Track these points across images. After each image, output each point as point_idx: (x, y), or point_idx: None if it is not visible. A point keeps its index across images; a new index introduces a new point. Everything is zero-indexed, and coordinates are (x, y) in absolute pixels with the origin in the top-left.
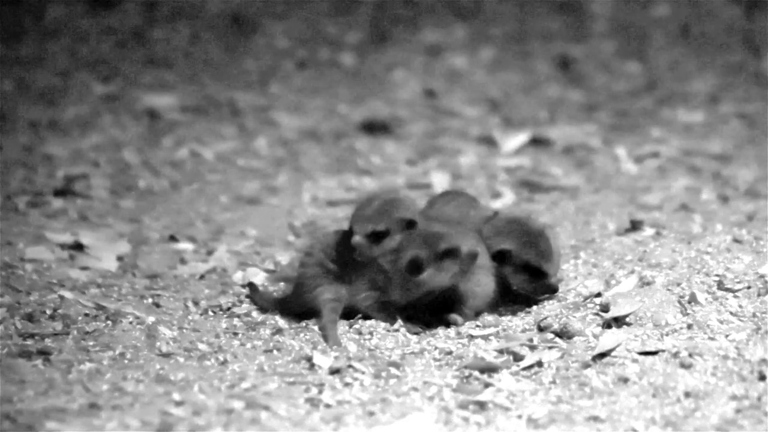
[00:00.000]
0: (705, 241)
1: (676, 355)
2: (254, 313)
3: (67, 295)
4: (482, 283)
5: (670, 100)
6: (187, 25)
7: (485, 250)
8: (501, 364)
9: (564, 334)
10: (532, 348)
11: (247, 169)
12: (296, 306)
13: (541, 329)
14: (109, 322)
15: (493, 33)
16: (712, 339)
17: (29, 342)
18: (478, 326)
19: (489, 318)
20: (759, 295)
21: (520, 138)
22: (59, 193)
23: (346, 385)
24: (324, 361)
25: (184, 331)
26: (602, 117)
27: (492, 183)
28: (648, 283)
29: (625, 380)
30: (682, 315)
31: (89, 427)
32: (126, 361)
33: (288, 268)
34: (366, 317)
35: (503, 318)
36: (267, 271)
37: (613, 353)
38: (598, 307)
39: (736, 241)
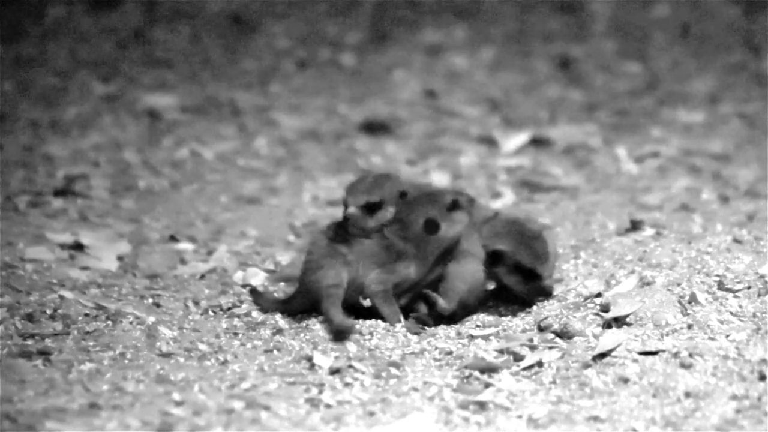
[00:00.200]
0: (705, 241)
1: (676, 355)
2: (254, 313)
3: (68, 295)
4: (470, 269)
5: (670, 100)
6: (187, 25)
7: (479, 243)
8: (501, 364)
9: (564, 334)
10: (533, 348)
11: (247, 169)
12: (302, 296)
13: (541, 329)
14: (109, 322)
15: (493, 33)
16: (712, 339)
17: (29, 342)
18: (478, 326)
19: (489, 318)
20: (759, 295)
21: (520, 138)
22: (59, 193)
23: (347, 385)
24: (324, 361)
25: (185, 331)
26: (602, 117)
27: (492, 183)
28: (648, 283)
29: (626, 380)
30: (682, 315)
31: (89, 427)
32: (126, 361)
33: (288, 268)
34: (368, 314)
35: (503, 318)
36: (267, 271)
37: (613, 353)
38: (598, 307)
39: (737, 241)
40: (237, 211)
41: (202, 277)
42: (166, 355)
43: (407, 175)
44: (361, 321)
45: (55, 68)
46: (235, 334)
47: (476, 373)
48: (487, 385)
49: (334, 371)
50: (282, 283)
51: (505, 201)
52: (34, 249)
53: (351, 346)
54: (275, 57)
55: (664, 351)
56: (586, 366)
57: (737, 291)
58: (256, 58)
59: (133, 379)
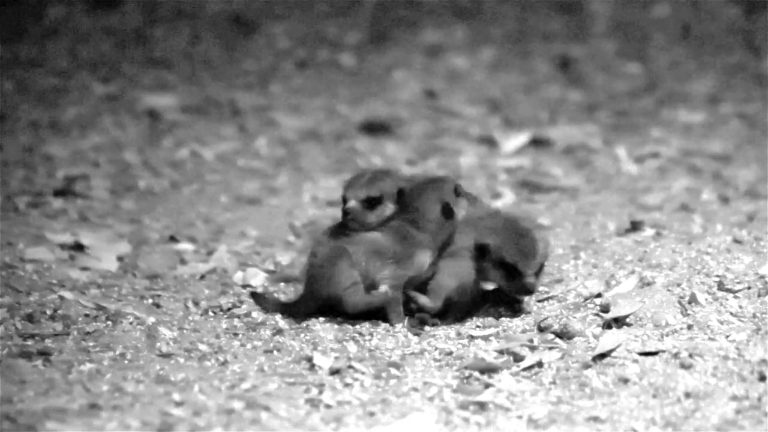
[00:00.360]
0: (705, 242)
1: (676, 355)
2: (254, 314)
3: (68, 295)
4: (461, 266)
5: (670, 101)
6: (187, 25)
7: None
8: (501, 365)
9: (564, 334)
10: (533, 348)
11: (247, 169)
12: (308, 302)
13: (541, 330)
14: (109, 322)
15: (493, 33)
16: (712, 339)
17: (29, 342)
18: (478, 327)
19: (489, 318)
20: (759, 295)
21: (520, 138)
22: (59, 193)
23: (347, 385)
24: (324, 361)
25: (185, 331)
26: (602, 117)
27: (492, 183)
28: (648, 284)
29: (626, 381)
30: (682, 315)
31: (89, 427)
32: (126, 362)
33: (288, 268)
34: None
35: (503, 318)
36: (267, 271)
37: (613, 354)
38: (598, 308)
39: (737, 241)
40: (237, 212)
41: (202, 277)
42: (166, 356)
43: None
44: (361, 322)
45: (55, 68)
46: (235, 334)
47: (476, 374)
48: (487, 386)
49: (334, 372)
50: (282, 284)
51: (505, 201)
52: (34, 249)
53: (351, 347)
54: (275, 57)
55: (664, 351)
56: (586, 366)
57: (737, 291)
58: (256, 58)
59: (133, 380)
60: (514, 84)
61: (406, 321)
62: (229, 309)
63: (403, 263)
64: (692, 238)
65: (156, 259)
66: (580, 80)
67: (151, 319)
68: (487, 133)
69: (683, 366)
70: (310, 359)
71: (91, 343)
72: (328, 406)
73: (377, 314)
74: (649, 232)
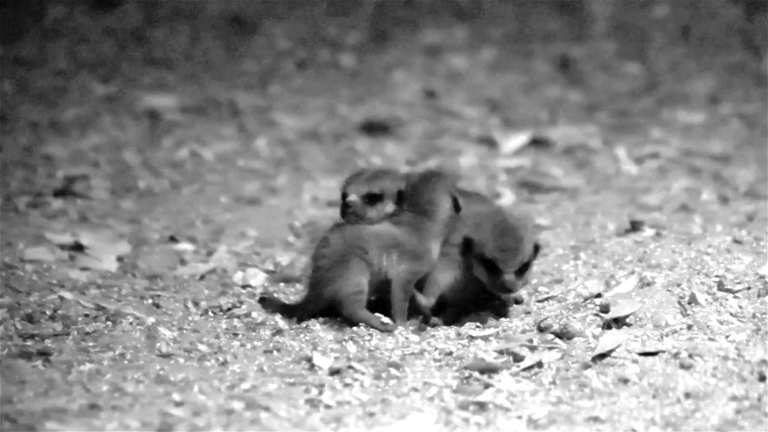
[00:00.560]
0: (705, 242)
1: (676, 355)
2: (254, 314)
3: (67, 295)
4: (452, 261)
5: (670, 101)
6: (187, 25)
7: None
8: (501, 365)
9: (564, 334)
10: (532, 349)
11: (247, 169)
12: (314, 303)
13: (541, 330)
14: (109, 322)
15: (493, 33)
16: (712, 340)
17: (29, 343)
18: (478, 327)
19: (489, 318)
20: (759, 295)
21: (520, 138)
22: (59, 193)
23: (346, 385)
24: (324, 361)
25: (184, 331)
26: (602, 118)
27: (492, 183)
28: (648, 284)
29: (625, 381)
30: (682, 316)
31: (89, 427)
32: (126, 362)
33: (288, 268)
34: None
35: (503, 319)
36: (267, 271)
37: (613, 354)
38: (598, 308)
39: (736, 241)
40: (237, 212)
41: (202, 277)
42: (166, 356)
43: None
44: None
45: (54, 68)
46: (235, 334)
47: (476, 374)
48: (487, 386)
49: (334, 372)
50: (282, 284)
51: (505, 201)
52: (33, 250)
53: (351, 347)
54: (275, 57)
55: (663, 352)
56: (586, 367)
57: (737, 292)
58: (256, 58)
59: (132, 380)
60: (514, 84)
61: (408, 322)
62: (228, 309)
63: (418, 258)
64: (692, 239)
65: (156, 260)
66: (580, 80)
67: (151, 320)
68: (487, 133)
69: (683, 366)
70: (309, 359)
71: (91, 344)
72: (327, 407)
73: (382, 312)
74: (649, 232)
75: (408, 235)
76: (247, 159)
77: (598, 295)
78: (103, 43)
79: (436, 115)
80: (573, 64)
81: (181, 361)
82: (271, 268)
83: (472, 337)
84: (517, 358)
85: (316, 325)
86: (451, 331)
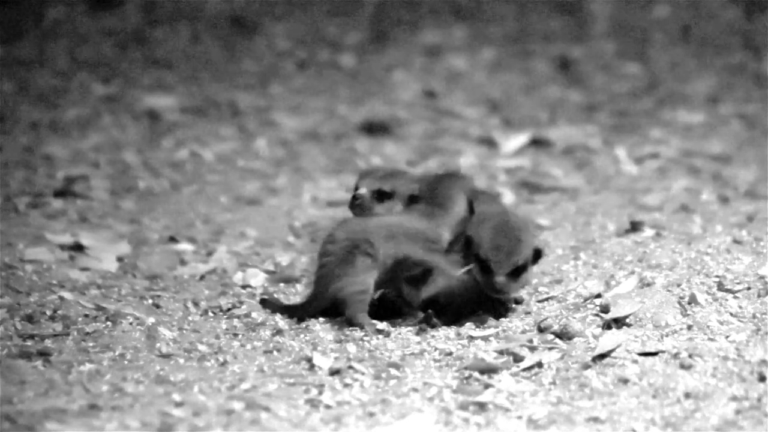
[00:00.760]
0: (705, 242)
1: (676, 356)
2: (254, 314)
3: (67, 296)
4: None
5: (670, 101)
6: (187, 25)
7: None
8: (501, 365)
9: (564, 335)
10: (532, 349)
11: (247, 169)
12: (318, 302)
13: (541, 330)
14: (109, 323)
15: (493, 33)
16: (712, 340)
17: (29, 343)
18: (477, 327)
19: (489, 319)
20: (759, 296)
21: (520, 139)
22: (59, 193)
23: (346, 386)
24: (324, 362)
25: (184, 332)
26: (602, 118)
27: (492, 184)
28: (648, 284)
29: (625, 381)
30: (682, 316)
31: (89, 427)
32: (126, 362)
33: (288, 269)
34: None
35: (503, 319)
36: (267, 272)
37: (613, 354)
38: (598, 308)
39: (736, 242)
40: (237, 212)
41: (202, 278)
42: (166, 356)
43: None
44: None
45: (54, 69)
46: (235, 334)
47: (476, 374)
48: (487, 386)
49: (334, 372)
50: (282, 284)
51: (505, 202)
52: (33, 250)
53: (351, 347)
54: (275, 58)
55: (663, 352)
56: (586, 367)
57: (737, 292)
58: (256, 58)
59: (132, 380)
60: (514, 84)
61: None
62: (228, 309)
63: (430, 242)
64: (692, 239)
65: (156, 260)
66: (580, 81)
67: (151, 320)
68: (487, 133)
69: (683, 366)
70: (309, 360)
71: (91, 344)
72: (327, 407)
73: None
74: (648, 232)
75: (419, 221)
76: (247, 159)
77: (598, 296)
78: (103, 43)
79: (436, 115)
80: (573, 64)
81: (181, 361)
82: (271, 268)
83: (472, 338)
84: (517, 359)
85: (316, 325)
86: (451, 331)
